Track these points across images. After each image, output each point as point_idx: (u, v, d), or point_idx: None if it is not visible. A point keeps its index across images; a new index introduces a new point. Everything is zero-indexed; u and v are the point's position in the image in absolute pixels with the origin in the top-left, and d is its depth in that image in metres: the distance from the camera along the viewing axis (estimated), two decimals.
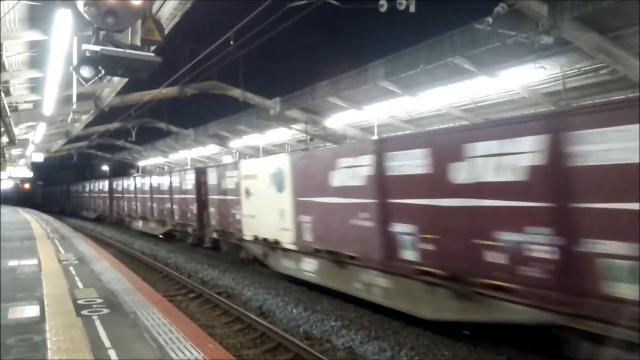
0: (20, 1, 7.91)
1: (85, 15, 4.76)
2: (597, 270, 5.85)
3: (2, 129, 16.32)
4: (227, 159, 31.66)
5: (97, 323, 7.16)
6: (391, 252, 9.03)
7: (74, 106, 15.60)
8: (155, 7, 8.26)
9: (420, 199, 8.37)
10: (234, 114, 25.70)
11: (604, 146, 5.84)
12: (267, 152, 28.50)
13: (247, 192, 14.74)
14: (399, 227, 8.86)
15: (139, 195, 28.10)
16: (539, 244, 6.48)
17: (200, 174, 19.51)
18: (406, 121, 19.13)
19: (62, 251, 15.36)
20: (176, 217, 21.96)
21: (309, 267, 11.79)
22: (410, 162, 8.55)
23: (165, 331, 6.81)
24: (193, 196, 19.75)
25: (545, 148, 6.47)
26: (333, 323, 9.52)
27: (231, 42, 11.72)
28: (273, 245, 13.28)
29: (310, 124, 21.82)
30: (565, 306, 6.16)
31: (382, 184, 9.24)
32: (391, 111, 18.17)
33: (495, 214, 7.06)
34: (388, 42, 56.88)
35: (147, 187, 26.54)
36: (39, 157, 28.40)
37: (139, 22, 5.59)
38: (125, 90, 17.96)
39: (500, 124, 7.90)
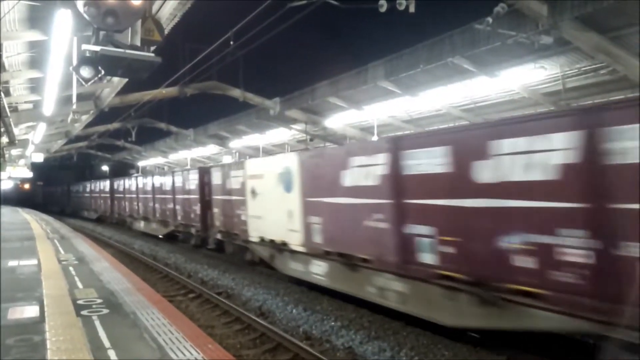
0: (20, 1, 7.91)
1: (85, 16, 4.76)
2: (637, 275, 5.48)
3: (2, 129, 16.33)
4: (227, 159, 31.67)
5: (97, 323, 7.16)
6: (408, 255, 8.63)
7: (74, 106, 15.62)
8: (155, 7, 8.27)
9: (440, 199, 7.94)
10: (233, 114, 25.73)
11: None
12: (267, 152, 28.51)
13: (253, 193, 14.38)
14: (416, 229, 8.45)
15: (140, 196, 27.77)
16: (573, 247, 6.10)
17: (204, 173, 19.15)
18: (406, 121, 19.14)
19: (62, 251, 15.36)
20: (179, 217, 21.66)
21: (318, 270, 11.40)
22: (429, 161, 8.14)
23: (165, 331, 6.81)
24: (196, 196, 19.41)
25: (580, 145, 6.08)
26: (333, 323, 9.52)
27: (231, 42, 11.73)
28: (280, 247, 12.93)
29: (310, 124, 21.83)
30: (601, 314, 5.78)
31: (398, 184, 8.85)
32: (391, 111, 18.18)
33: (524, 215, 6.66)
34: (388, 42, 56.92)
35: (149, 187, 26.21)
36: (39, 158, 28.43)
37: (139, 22, 5.60)
38: (125, 90, 17.99)
39: (530, 120, 7.38)
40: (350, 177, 10.14)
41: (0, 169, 24.78)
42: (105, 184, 37.18)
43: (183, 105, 42.57)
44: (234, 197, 15.93)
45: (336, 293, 10.91)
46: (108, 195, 35.77)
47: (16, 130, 18.79)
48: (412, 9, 9.09)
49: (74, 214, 48.15)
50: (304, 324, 9.62)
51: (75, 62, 5.66)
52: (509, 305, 6.85)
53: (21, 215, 37.56)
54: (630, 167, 5.59)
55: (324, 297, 11.34)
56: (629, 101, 6.79)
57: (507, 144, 6.89)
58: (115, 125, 30.40)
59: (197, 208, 19.34)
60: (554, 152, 6.31)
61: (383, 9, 9.20)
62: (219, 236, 17.63)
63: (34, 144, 24.73)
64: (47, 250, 15.38)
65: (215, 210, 17.71)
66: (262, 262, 14.58)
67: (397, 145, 9.02)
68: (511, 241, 6.82)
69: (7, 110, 14.02)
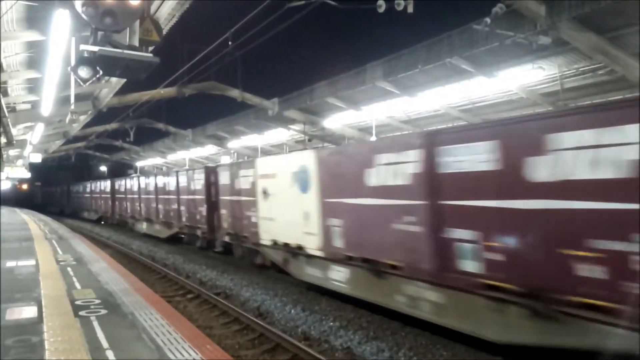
0: (19, 1, 7.91)
1: (83, 16, 4.76)
2: None
3: (0, 130, 16.30)
4: (225, 160, 31.66)
5: (95, 324, 7.14)
6: (445, 262, 7.79)
7: (72, 107, 15.56)
8: (153, 8, 8.26)
9: (485, 200, 7.14)
10: (232, 115, 25.77)
11: None
12: (266, 152, 28.53)
13: (265, 193, 13.58)
14: (455, 233, 7.61)
15: (143, 196, 27.00)
16: None
17: (211, 173, 18.31)
18: (404, 121, 19.18)
19: (60, 252, 15.33)
20: (184, 219, 20.95)
21: (338, 276, 10.59)
22: (472, 157, 7.32)
23: (164, 332, 6.80)
24: (202, 197, 18.70)
25: None
26: (331, 323, 9.52)
27: (229, 43, 11.74)
28: (295, 251, 12.09)
29: (309, 125, 21.85)
30: None
31: (434, 183, 7.99)
32: (389, 111, 18.21)
33: (591, 218, 5.91)
34: (386, 43, 56.80)
35: (151, 188, 25.43)
36: (37, 158, 28.41)
37: (137, 23, 5.60)
38: (123, 90, 17.99)
39: (596, 110, 6.54)
40: (376, 176, 9.31)
41: None
42: (106, 184, 36.48)
43: (181, 106, 42.60)
44: (243, 198, 15.12)
45: (336, 293, 10.82)
46: (109, 195, 35.13)
47: (14, 131, 18.78)
48: (410, 10, 9.11)
49: (74, 215, 47.97)
50: (302, 324, 9.62)
51: (73, 62, 5.64)
52: (572, 320, 6.17)
53: (19, 215, 37.49)
54: None
55: (323, 298, 11.33)
56: None
57: (569, 138, 6.12)
58: (113, 125, 30.42)
59: (204, 209, 18.62)
60: (627, 146, 5.57)
61: (381, 10, 9.22)
62: (226, 238, 16.90)
63: (32, 144, 24.72)
64: (45, 250, 15.36)
65: (223, 211, 16.96)
66: (274, 266, 13.94)
67: (432, 141, 8.15)
68: (574, 248, 6.10)
69: (5, 110, 14.01)
